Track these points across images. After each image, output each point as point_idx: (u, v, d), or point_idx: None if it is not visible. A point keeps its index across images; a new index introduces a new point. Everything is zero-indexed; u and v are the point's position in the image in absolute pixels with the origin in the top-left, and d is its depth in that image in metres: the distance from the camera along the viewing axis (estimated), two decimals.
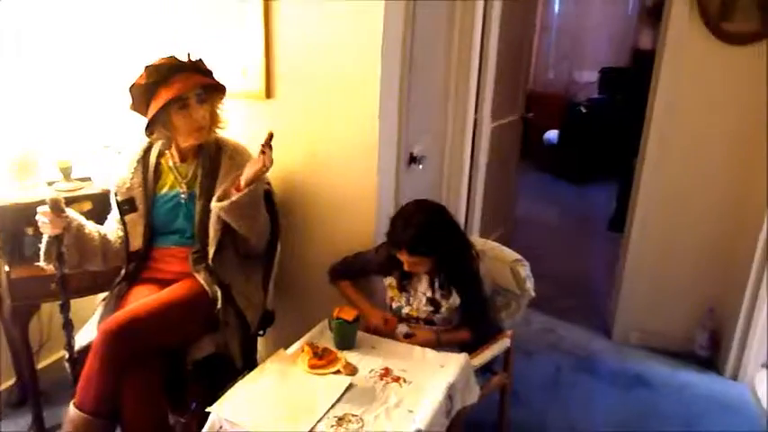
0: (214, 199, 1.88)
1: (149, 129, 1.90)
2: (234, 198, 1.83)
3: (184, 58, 1.89)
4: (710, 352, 2.89)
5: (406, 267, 1.92)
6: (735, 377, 2.78)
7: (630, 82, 5.87)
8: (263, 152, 1.80)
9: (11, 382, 2.45)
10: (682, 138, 2.77)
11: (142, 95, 1.86)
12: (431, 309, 1.99)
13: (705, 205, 2.81)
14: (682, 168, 2.80)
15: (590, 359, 2.94)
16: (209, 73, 1.93)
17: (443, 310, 1.97)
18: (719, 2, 2.53)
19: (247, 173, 1.84)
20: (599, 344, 3.08)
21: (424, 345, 1.87)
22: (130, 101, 1.89)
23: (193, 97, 1.88)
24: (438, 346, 1.91)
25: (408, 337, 1.95)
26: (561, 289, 3.65)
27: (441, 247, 1.90)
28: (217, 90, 1.95)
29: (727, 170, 2.73)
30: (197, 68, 1.90)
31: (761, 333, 2.69)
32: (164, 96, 1.81)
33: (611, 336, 3.13)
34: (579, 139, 6.28)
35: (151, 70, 1.83)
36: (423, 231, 1.86)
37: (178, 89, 1.82)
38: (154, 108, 1.83)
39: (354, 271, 2.12)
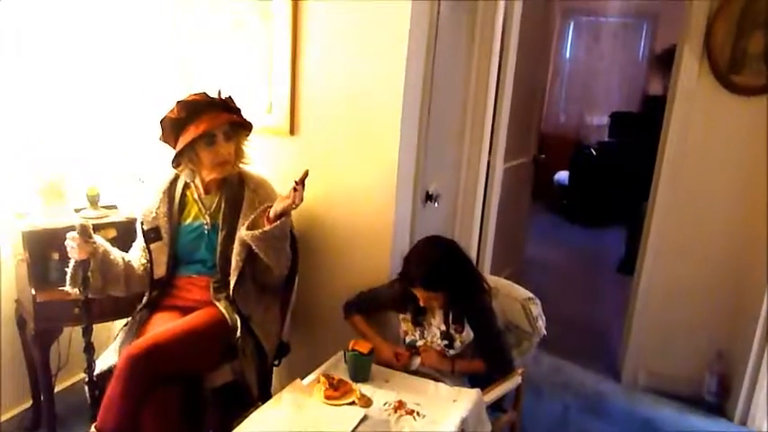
0: (243, 228, 1.94)
1: (176, 161, 1.98)
2: (266, 228, 1.90)
3: (215, 95, 1.97)
4: (719, 397, 2.89)
5: (421, 303, 1.97)
6: (744, 423, 2.76)
7: (640, 126, 5.96)
8: (294, 189, 1.87)
9: (26, 405, 2.48)
10: (691, 183, 2.83)
11: (172, 128, 1.94)
12: (445, 342, 2.02)
13: (713, 249, 2.85)
14: (691, 213, 2.85)
15: (598, 401, 2.94)
16: (237, 110, 2.01)
17: (457, 344, 2.01)
18: (729, 56, 2.63)
19: (277, 206, 1.91)
20: (607, 386, 3.08)
21: (435, 364, 1.92)
22: (160, 132, 1.97)
23: (221, 134, 1.96)
24: (451, 369, 1.94)
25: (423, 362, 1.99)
26: (570, 330, 3.66)
27: (453, 282, 1.95)
28: (243, 127, 2.03)
29: (735, 216, 2.78)
30: (226, 106, 1.98)
31: None
32: (192, 132, 1.90)
33: (620, 378, 3.13)
34: (589, 182, 6.35)
35: (183, 105, 1.92)
36: (435, 267, 1.92)
37: (206, 126, 1.91)
38: (182, 142, 1.92)
39: (369, 306, 2.17)
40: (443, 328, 2.02)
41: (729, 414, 2.82)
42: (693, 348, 2.95)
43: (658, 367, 3.04)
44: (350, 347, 1.87)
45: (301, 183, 1.87)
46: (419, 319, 2.06)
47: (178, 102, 1.94)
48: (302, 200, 1.89)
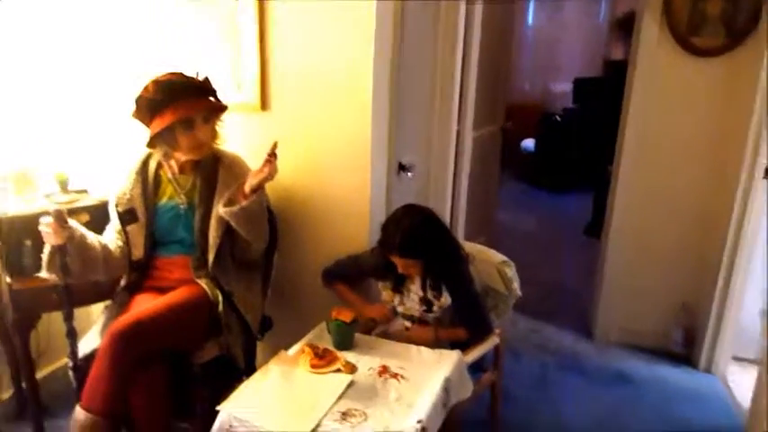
0: (220, 205, 1.95)
1: (152, 142, 1.96)
2: (244, 204, 1.91)
3: (191, 75, 1.96)
4: (685, 347, 3.03)
5: (399, 270, 2.01)
6: (708, 370, 2.92)
7: (603, 91, 6.08)
8: (268, 161, 1.88)
9: (9, 394, 2.47)
10: (654, 145, 2.92)
11: (147, 108, 1.92)
12: (423, 308, 2.08)
13: (677, 208, 2.96)
14: (655, 174, 2.95)
15: (574, 358, 3.06)
16: (214, 92, 2.00)
17: (435, 308, 2.07)
18: (688, 18, 2.70)
19: (252, 181, 1.92)
20: (582, 344, 3.21)
21: (422, 342, 1.96)
22: (134, 110, 1.94)
23: (199, 118, 1.95)
24: (436, 343, 2.00)
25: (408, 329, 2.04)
26: (543, 293, 3.78)
27: (430, 249, 1.99)
28: (220, 109, 2.03)
29: (697, 175, 2.88)
30: (204, 88, 1.97)
31: (731, 328, 2.84)
32: (170, 117, 1.88)
33: (593, 335, 3.25)
34: (555, 148, 6.46)
35: (159, 87, 1.89)
36: (413, 235, 1.96)
37: (186, 111, 1.90)
38: (159, 125, 1.90)
39: (350, 273, 2.21)
40: (422, 294, 2.08)
41: (695, 362, 2.97)
42: (660, 303, 3.08)
43: (628, 323, 3.16)
44: (333, 317, 1.91)
45: (273, 154, 1.89)
46: (399, 286, 2.11)
47: (154, 81, 1.91)
48: (276, 171, 1.90)
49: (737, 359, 2.94)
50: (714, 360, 2.90)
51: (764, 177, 2.62)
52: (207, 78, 1.99)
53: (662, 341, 3.09)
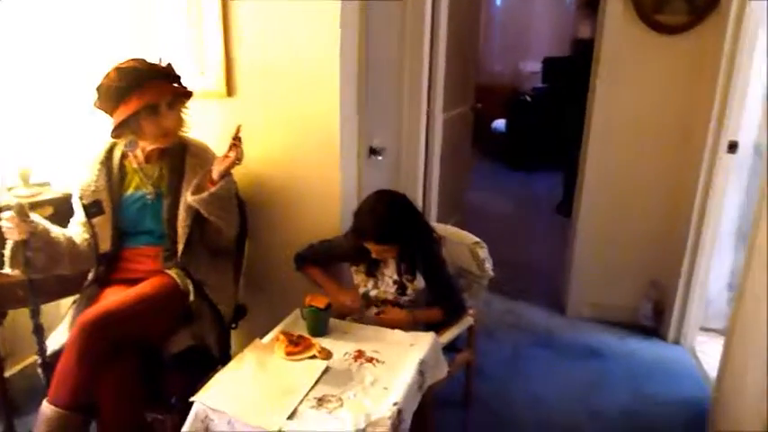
0: (188, 193, 1.92)
1: (116, 131, 1.91)
2: (212, 190, 1.89)
3: (155, 62, 1.92)
4: (654, 321, 3.11)
5: (374, 255, 2.01)
6: (677, 342, 3.00)
7: (572, 70, 6.11)
8: (234, 145, 1.86)
9: None
10: (621, 123, 2.96)
11: (110, 96, 1.87)
12: (398, 291, 2.08)
13: (645, 185, 3.01)
14: (622, 151, 2.99)
15: (547, 335, 3.11)
16: (178, 79, 1.96)
17: (409, 291, 2.08)
18: None
19: (219, 167, 1.89)
20: (554, 320, 3.26)
21: (397, 324, 1.97)
22: (96, 99, 1.89)
23: (164, 104, 1.91)
24: (413, 324, 2.01)
25: (379, 315, 2.04)
26: (516, 272, 3.83)
27: (405, 234, 1.99)
28: (185, 96, 1.98)
29: (664, 151, 2.93)
30: (168, 74, 1.93)
31: (698, 300, 2.92)
32: (135, 104, 1.84)
33: (565, 312, 3.31)
34: (525, 128, 6.51)
35: (122, 74, 1.84)
36: (386, 221, 1.96)
37: (151, 97, 1.86)
38: (124, 113, 1.85)
39: (323, 258, 2.20)
40: (396, 277, 2.08)
41: (664, 335, 3.05)
42: (630, 279, 3.15)
43: (599, 299, 3.23)
44: (306, 303, 1.90)
45: (238, 138, 1.87)
46: (372, 270, 2.11)
47: (117, 68, 1.86)
48: (243, 155, 1.89)
49: (705, 330, 3.03)
50: (682, 332, 2.98)
51: (728, 152, 2.68)
52: (170, 64, 1.94)
53: (632, 315, 3.17)
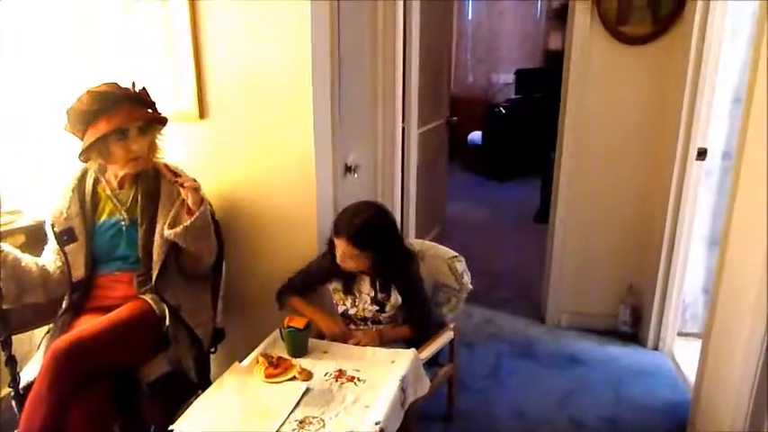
0: (165, 226, 1.91)
1: (84, 155, 1.90)
2: (187, 223, 1.88)
3: (127, 86, 1.91)
4: (633, 327, 3.14)
5: (338, 259, 2.00)
6: (656, 347, 3.04)
7: (544, 81, 6.22)
8: (180, 185, 1.89)
9: None
10: (592, 133, 3.00)
11: (80, 120, 1.85)
12: (376, 308, 2.08)
13: (618, 193, 3.05)
14: (594, 160, 3.04)
15: (527, 345, 3.12)
16: (152, 104, 1.95)
17: (388, 308, 2.08)
18: (616, 8, 2.78)
19: (191, 198, 1.89)
20: (534, 330, 3.28)
21: (365, 344, 1.96)
22: (67, 122, 1.87)
23: (134, 129, 1.90)
24: (381, 342, 2.00)
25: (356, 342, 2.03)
26: (495, 282, 3.85)
27: (380, 244, 2.00)
28: (158, 122, 1.98)
29: (635, 159, 2.99)
30: (141, 99, 1.92)
31: (675, 305, 2.96)
32: (104, 126, 1.83)
33: (545, 321, 3.33)
34: (501, 139, 6.58)
35: (94, 97, 1.83)
36: (365, 224, 1.98)
37: (120, 121, 1.85)
38: (92, 136, 1.83)
39: (302, 286, 2.18)
40: (372, 294, 2.08)
41: (642, 341, 3.09)
42: (607, 286, 3.18)
43: (578, 307, 3.26)
44: (285, 324, 1.89)
45: (174, 174, 1.90)
46: (349, 286, 2.10)
47: (88, 91, 1.85)
48: (194, 179, 1.92)
49: (683, 335, 3.06)
50: (661, 337, 3.01)
51: (697, 159, 2.73)
52: (144, 89, 1.94)
53: (610, 322, 3.20)
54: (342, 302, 2.13)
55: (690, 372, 2.63)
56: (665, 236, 2.86)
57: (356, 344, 1.99)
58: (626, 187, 3.04)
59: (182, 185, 1.88)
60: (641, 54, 2.84)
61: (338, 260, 2.01)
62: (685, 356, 2.88)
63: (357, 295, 2.11)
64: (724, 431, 2.01)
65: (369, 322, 2.11)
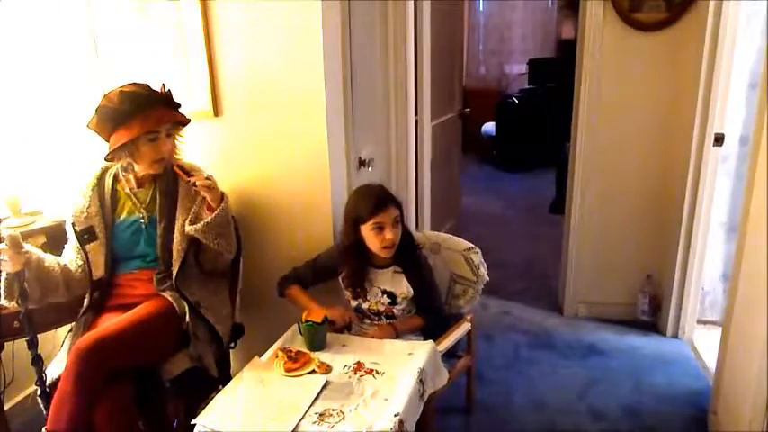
0: (186, 223, 1.94)
1: (113, 155, 1.93)
2: (208, 220, 1.92)
3: (156, 87, 1.94)
4: (652, 315, 3.12)
5: (384, 235, 1.97)
6: (675, 335, 3.01)
7: (557, 70, 6.17)
8: (192, 184, 1.92)
9: None
10: (607, 120, 2.98)
11: (110, 119, 1.88)
12: (388, 301, 2.08)
13: (635, 181, 3.03)
14: (610, 149, 3.01)
15: (545, 335, 3.12)
16: (178, 105, 1.99)
17: (399, 300, 2.08)
18: None
19: (211, 195, 1.92)
20: (552, 320, 3.27)
21: (380, 338, 1.97)
22: (94, 120, 1.90)
23: (164, 131, 1.94)
24: (396, 335, 2.01)
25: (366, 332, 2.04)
26: (511, 273, 3.84)
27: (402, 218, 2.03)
28: (183, 123, 2.01)
29: (651, 147, 2.95)
30: (170, 101, 1.96)
31: (694, 293, 2.93)
32: (138, 128, 1.86)
33: (563, 311, 3.32)
34: (515, 130, 6.54)
35: (126, 97, 1.86)
36: (382, 189, 2.03)
37: (154, 123, 1.89)
38: (125, 136, 1.86)
39: (305, 276, 2.18)
40: (383, 286, 2.08)
41: (662, 329, 3.06)
42: (625, 275, 3.16)
43: (595, 297, 3.24)
44: (303, 318, 1.91)
45: (188, 174, 1.95)
46: (359, 279, 2.10)
47: (120, 91, 1.88)
48: (209, 176, 1.94)
49: (702, 322, 3.04)
50: (680, 325, 2.99)
51: (715, 145, 2.70)
52: (170, 91, 1.97)
53: (629, 312, 3.17)
54: (353, 298, 2.14)
55: (710, 359, 2.61)
56: (682, 223, 2.84)
57: (371, 336, 2.00)
58: (643, 175, 3.01)
59: (194, 185, 1.90)
60: (655, 41, 2.81)
61: (383, 237, 1.97)
62: (705, 344, 2.86)
63: (368, 288, 2.11)
64: (745, 418, 1.99)
65: (382, 316, 2.11)
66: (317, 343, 1.91)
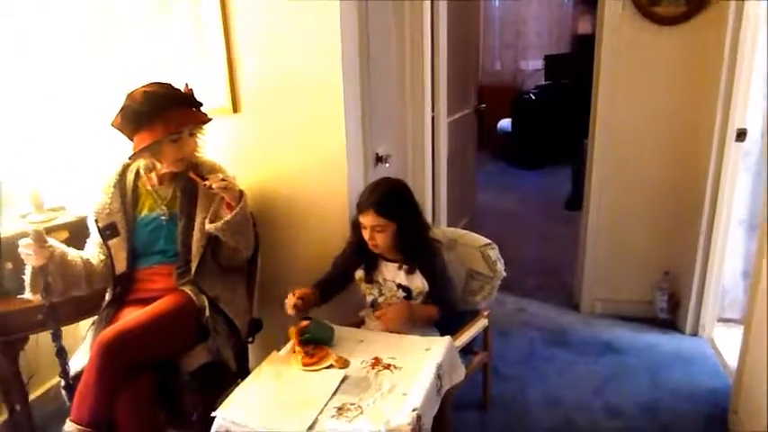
0: (206, 221, 1.97)
1: (137, 154, 1.95)
2: (228, 218, 1.93)
3: (179, 87, 1.96)
4: (670, 313, 3.09)
5: (366, 237, 2.01)
6: (695, 333, 2.98)
7: (574, 66, 6.12)
8: (209, 188, 1.91)
9: (2, 418, 2.44)
10: (626, 115, 2.95)
11: (134, 120, 1.90)
12: (403, 295, 2.08)
13: (653, 177, 3.00)
14: (629, 144, 2.99)
15: (561, 332, 3.10)
16: (200, 105, 2.00)
17: (414, 294, 2.07)
18: None
19: (229, 194, 1.93)
20: (568, 317, 3.26)
21: (397, 314, 1.98)
22: (118, 119, 1.92)
23: (186, 131, 1.96)
24: (411, 312, 2.01)
25: (380, 318, 2.04)
26: (528, 270, 3.83)
27: (403, 213, 2.01)
28: (204, 122, 2.03)
29: (670, 142, 2.92)
30: (192, 101, 1.98)
31: (714, 290, 2.90)
32: (161, 129, 1.88)
33: (579, 309, 3.30)
34: (531, 126, 6.50)
35: (148, 97, 1.88)
36: (388, 192, 2.01)
37: (177, 125, 1.91)
38: (148, 138, 1.89)
39: (332, 277, 2.17)
40: (397, 280, 2.08)
41: (681, 327, 3.03)
42: (642, 273, 3.13)
43: (612, 294, 3.22)
44: (299, 329, 1.86)
45: (202, 178, 1.94)
46: (372, 273, 2.11)
47: (144, 91, 1.90)
48: (223, 178, 1.93)
49: (723, 320, 3.00)
50: (700, 323, 2.96)
51: (737, 140, 2.66)
52: (192, 90, 1.98)
53: (647, 309, 3.15)
54: (368, 291, 2.14)
55: (730, 358, 2.59)
56: (703, 220, 2.80)
57: (383, 317, 2.01)
58: (661, 171, 2.98)
59: (210, 188, 1.91)
60: (675, 34, 2.78)
61: (366, 238, 2.01)
62: (725, 342, 2.83)
63: (381, 282, 2.11)
64: (766, 418, 1.97)
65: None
66: (326, 335, 1.89)
